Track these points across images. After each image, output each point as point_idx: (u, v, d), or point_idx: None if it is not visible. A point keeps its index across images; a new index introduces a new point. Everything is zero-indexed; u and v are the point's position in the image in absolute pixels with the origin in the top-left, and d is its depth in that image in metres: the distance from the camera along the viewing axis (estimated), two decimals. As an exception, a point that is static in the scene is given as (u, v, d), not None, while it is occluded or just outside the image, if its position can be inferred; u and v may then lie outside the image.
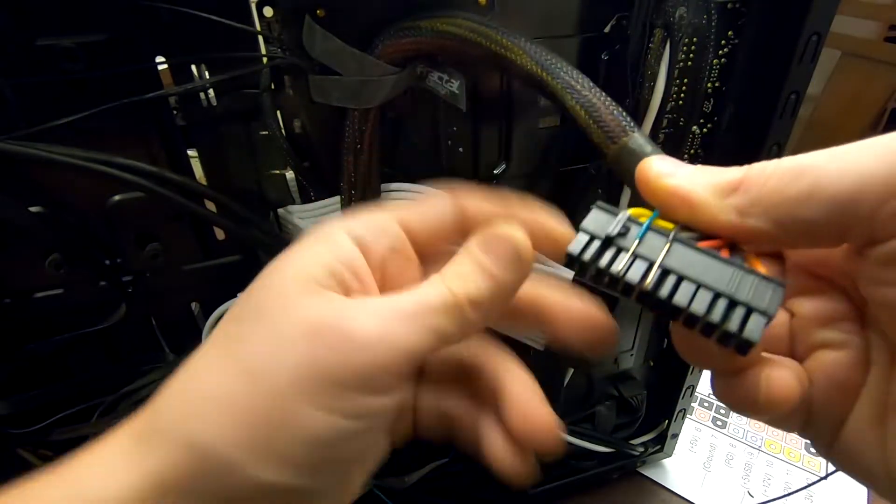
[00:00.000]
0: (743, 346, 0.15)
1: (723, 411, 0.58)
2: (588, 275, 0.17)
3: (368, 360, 0.16)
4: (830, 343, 0.18)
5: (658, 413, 0.47)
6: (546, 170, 0.32)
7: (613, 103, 0.22)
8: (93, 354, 0.32)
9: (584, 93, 0.22)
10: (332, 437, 0.16)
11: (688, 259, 0.16)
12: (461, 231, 0.20)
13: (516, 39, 0.23)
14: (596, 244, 0.16)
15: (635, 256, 0.16)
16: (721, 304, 0.15)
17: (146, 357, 0.33)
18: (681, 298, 0.15)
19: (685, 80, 0.30)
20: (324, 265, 0.18)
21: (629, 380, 0.45)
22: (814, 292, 0.19)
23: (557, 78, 0.23)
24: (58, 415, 0.32)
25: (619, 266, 0.16)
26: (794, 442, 0.55)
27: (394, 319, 0.17)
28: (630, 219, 0.17)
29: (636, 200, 0.33)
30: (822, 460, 0.53)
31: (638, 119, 0.30)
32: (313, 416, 0.16)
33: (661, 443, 0.48)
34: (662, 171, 0.17)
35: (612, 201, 0.34)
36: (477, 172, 0.31)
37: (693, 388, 0.44)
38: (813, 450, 0.54)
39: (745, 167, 0.16)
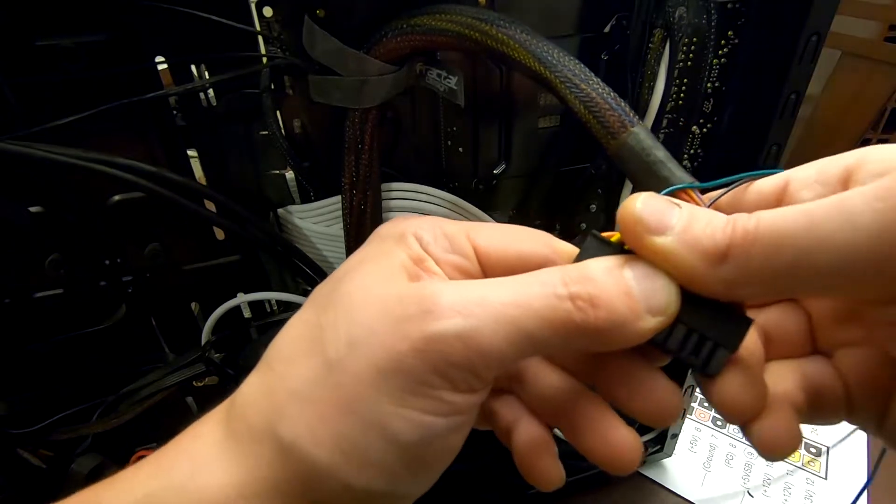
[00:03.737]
0: (707, 375, 0.17)
1: (723, 411, 0.58)
2: None
3: (459, 351, 0.15)
4: (852, 341, 0.18)
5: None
6: (546, 170, 0.32)
7: (613, 95, 0.22)
8: (93, 354, 0.32)
9: (583, 86, 0.22)
10: (422, 438, 0.16)
11: None
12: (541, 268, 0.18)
13: (512, 32, 0.23)
14: None
15: None
16: (693, 339, 0.17)
17: (146, 357, 0.33)
18: (660, 335, 0.17)
19: (685, 80, 0.30)
20: (400, 262, 0.17)
21: (629, 380, 0.45)
22: None
23: (555, 71, 0.22)
24: (58, 415, 0.32)
25: None
26: (794, 442, 0.55)
27: (483, 315, 0.15)
28: (622, 250, 0.17)
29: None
30: (822, 460, 0.53)
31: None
32: (402, 416, 0.15)
33: (661, 443, 0.48)
34: (650, 225, 0.16)
35: (612, 201, 0.34)
36: (477, 172, 0.31)
37: (693, 388, 0.44)
38: (813, 450, 0.54)
39: (729, 225, 0.15)
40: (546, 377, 0.20)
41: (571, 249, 0.19)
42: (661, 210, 0.16)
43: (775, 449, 0.17)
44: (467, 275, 0.19)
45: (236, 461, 0.16)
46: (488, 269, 0.19)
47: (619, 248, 0.17)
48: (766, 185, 0.18)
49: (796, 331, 0.19)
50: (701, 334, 0.17)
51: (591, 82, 0.22)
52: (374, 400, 0.15)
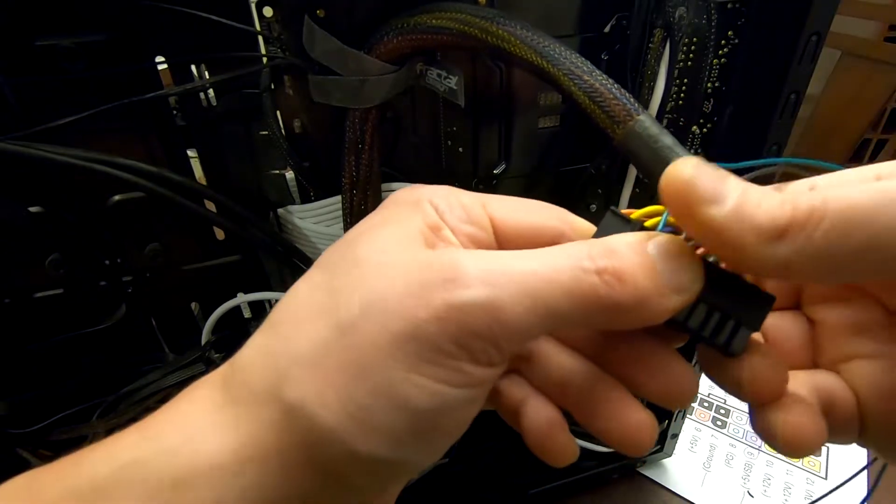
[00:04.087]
0: (730, 354, 0.17)
1: (723, 411, 0.58)
2: None
3: (482, 320, 0.15)
4: (866, 353, 0.17)
5: (658, 413, 0.47)
6: (546, 170, 0.32)
7: (616, 86, 0.22)
8: (93, 354, 0.32)
9: (586, 78, 0.22)
10: (435, 408, 0.15)
11: None
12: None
13: (512, 29, 0.23)
14: None
15: None
16: (714, 318, 0.16)
17: (146, 357, 0.33)
18: (681, 314, 0.16)
19: (685, 80, 0.30)
20: (418, 228, 0.17)
21: (629, 380, 0.45)
22: (840, 300, 0.18)
23: (558, 65, 0.22)
24: (58, 415, 0.32)
25: None
26: (794, 442, 0.55)
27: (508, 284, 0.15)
28: (641, 227, 0.17)
29: (638, 197, 0.33)
30: (822, 460, 0.53)
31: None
32: (414, 384, 0.15)
33: (661, 443, 0.48)
34: (703, 193, 0.14)
35: (612, 202, 0.34)
36: (477, 172, 0.31)
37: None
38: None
39: (790, 202, 0.14)
40: (556, 357, 0.19)
41: (587, 226, 0.19)
42: (717, 177, 0.14)
43: (801, 442, 0.16)
44: (482, 246, 0.18)
45: (235, 426, 0.15)
46: (503, 241, 0.18)
47: (638, 226, 0.17)
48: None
49: (798, 339, 0.19)
50: (723, 313, 0.16)
51: (594, 74, 0.22)
52: (388, 365, 0.15)
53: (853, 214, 0.13)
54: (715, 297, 0.16)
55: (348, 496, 0.16)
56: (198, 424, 0.16)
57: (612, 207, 0.18)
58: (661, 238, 0.16)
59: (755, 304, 0.16)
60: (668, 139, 0.20)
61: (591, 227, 0.18)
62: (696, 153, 0.33)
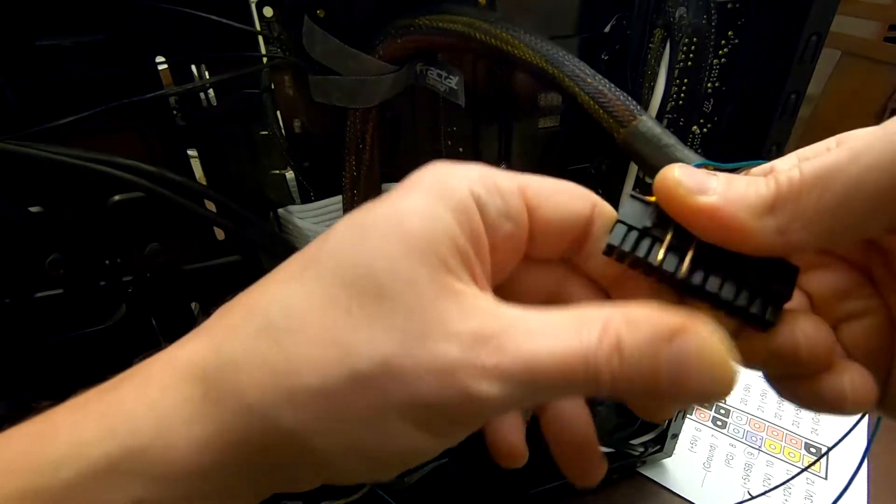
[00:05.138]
0: (764, 326, 0.17)
1: (723, 411, 0.58)
2: (627, 262, 0.18)
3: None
4: (854, 313, 0.18)
5: (658, 413, 0.47)
6: (546, 170, 0.32)
7: (618, 89, 0.23)
8: (93, 354, 0.32)
9: (590, 80, 0.23)
10: (424, 452, 0.16)
11: (715, 247, 0.17)
12: (581, 239, 0.18)
13: (516, 33, 0.23)
14: (633, 234, 0.18)
15: (670, 247, 0.17)
16: (745, 290, 0.17)
17: (146, 357, 0.33)
18: (712, 286, 0.17)
19: (685, 80, 0.30)
20: (451, 239, 0.15)
21: (629, 380, 0.45)
22: (819, 268, 0.19)
23: (562, 68, 0.23)
24: (58, 415, 0.32)
25: (656, 257, 0.17)
26: (794, 442, 0.55)
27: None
28: (664, 213, 0.18)
29: (641, 190, 0.33)
30: (823, 460, 0.53)
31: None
32: (417, 440, 0.15)
33: (661, 443, 0.48)
34: (691, 187, 0.16)
35: (612, 202, 0.34)
36: (477, 172, 0.31)
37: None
38: (813, 450, 0.54)
39: (771, 180, 0.16)
40: None
41: (611, 211, 0.19)
42: (700, 175, 0.17)
43: (869, 396, 0.17)
44: (514, 246, 0.18)
45: (215, 431, 0.15)
46: (535, 231, 0.18)
47: (658, 209, 0.18)
48: (753, 173, 0.18)
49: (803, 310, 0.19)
50: (752, 288, 0.17)
51: (597, 77, 0.23)
52: (397, 427, 0.15)
53: (826, 173, 0.15)
54: (742, 274, 0.17)
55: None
56: (171, 422, 0.15)
57: (633, 193, 0.18)
58: (686, 345, 0.14)
59: (781, 274, 0.17)
60: (671, 138, 0.21)
61: (613, 213, 0.19)
62: (696, 152, 0.33)
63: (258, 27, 0.25)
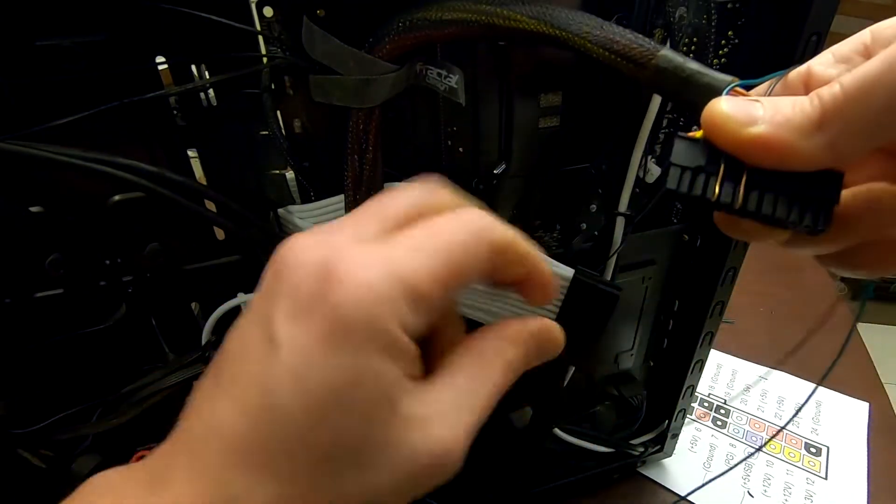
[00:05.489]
0: (818, 232, 0.18)
1: (723, 411, 0.58)
2: (686, 201, 0.19)
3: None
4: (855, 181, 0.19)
5: (658, 413, 0.47)
6: (546, 170, 0.32)
7: (628, 31, 0.22)
8: (93, 354, 0.32)
9: (598, 33, 0.22)
10: None
11: (764, 171, 0.18)
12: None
13: (516, 7, 0.23)
14: (688, 175, 0.19)
15: (723, 180, 0.18)
16: (797, 204, 0.18)
17: (146, 357, 0.33)
18: (767, 208, 0.18)
19: (685, 80, 0.30)
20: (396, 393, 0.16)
21: (629, 380, 0.45)
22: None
23: (569, 29, 0.23)
24: (58, 415, 0.32)
25: (713, 193, 0.18)
26: (794, 442, 0.55)
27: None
28: (712, 146, 0.18)
29: (638, 197, 0.33)
30: (822, 460, 0.53)
31: (638, 119, 0.30)
32: None
33: (661, 443, 0.48)
34: (739, 119, 0.17)
35: (612, 201, 0.34)
36: (477, 172, 0.31)
37: (693, 388, 0.44)
38: (813, 450, 0.54)
39: (815, 98, 0.17)
40: None
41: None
42: (746, 105, 0.17)
43: None
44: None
45: None
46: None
47: (707, 144, 0.18)
48: (791, 78, 0.19)
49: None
50: (802, 201, 0.18)
51: (605, 27, 0.22)
52: None
53: (868, 84, 0.16)
54: (792, 192, 0.18)
55: None
56: None
57: (679, 133, 0.19)
58: None
59: (828, 183, 0.18)
60: (693, 64, 0.21)
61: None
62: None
63: (258, 27, 0.25)
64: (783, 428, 0.55)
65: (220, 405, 0.16)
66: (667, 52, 0.21)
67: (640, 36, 0.22)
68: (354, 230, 0.17)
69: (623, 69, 0.22)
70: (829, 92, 0.16)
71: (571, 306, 0.32)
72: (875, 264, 0.20)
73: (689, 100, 0.21)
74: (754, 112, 0.17)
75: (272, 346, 0.15)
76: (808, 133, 0.16)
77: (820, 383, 0.41)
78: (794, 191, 0.18)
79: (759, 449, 0.54)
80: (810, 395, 0.45)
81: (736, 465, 0.51)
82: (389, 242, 0.17)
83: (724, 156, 0.18)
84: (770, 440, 0.55)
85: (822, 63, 0.19)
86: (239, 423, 0.15)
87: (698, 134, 0.19)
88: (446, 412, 0.17)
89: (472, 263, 0.17)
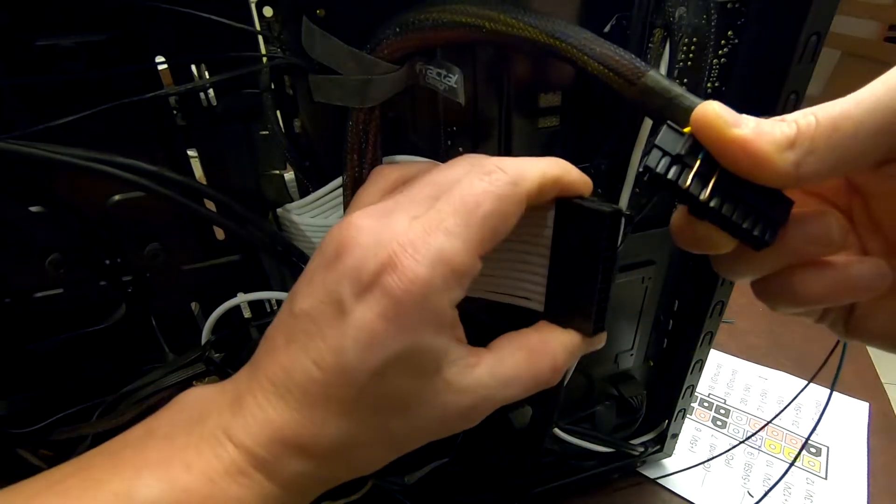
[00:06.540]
0: (763, 245, 0.21)
1: (723, 411, 0.58)
2: (659, 185, 0.21)
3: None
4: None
5: (658, 413, 0.47)
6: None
7: (622, 50, 0.24)
8: (93, 354, 0.32)
9: (595, 47, 0.24)
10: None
11: (732, 178, 0.20)
12: None
13: (518, 14, 0.24)
14: (667, 160, 0.20)
15: (697, 173, 0.20)
16: (752, 215, 0.20)
17: (146, 357, 0.33)
18: (727, 210, 0.20)
19: (685, 80, 0.30)
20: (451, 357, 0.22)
21: (629, 380, 0.45)
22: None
23: (568, 41, 0.24)
24: (58, 415, 0.32)
25: (685, 181, 0.20)
26: (794, 442, 0.55)
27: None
28: (694, 140, 0.20)
29: (638, 197, 0.33)
30: (822, 460, 0.53)
31: (637, 119, 0.30)
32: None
33: (661, 443, 0.48)
34: (727, 118, 0.19)
35: (612, 201, 0.34)
36: (477, 172, 0.31)
37: (693, 387, 0.44)
38: (813, 450, 0.54)
39: (792, 121, 0.19)
40: None
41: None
42: (735, 112, 0.20)
43: (879, 280, 0.21)
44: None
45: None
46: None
47: (690, 139, 0.20)
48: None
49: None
50: (757, 214, 0.20)
51: (601, 42, 0.24)
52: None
53: (836, 118, 0.18)
54: (750, 204, 0.20)
55: None
56: None
57: (669, 121, 0.21)
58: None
59: (780, 206, 0.21)
60: (678, 88, 0.23)
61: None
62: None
63: (258, 27, 0.25)
64: (769, 422, 0.56)
65: (299, 357, 0.21)
66: (654, 74, 0.23)
67: (633, 56, 0.24)
68: (408, 210, 0.21)
69: (613, 83, 0.24)
70: (805, 119, 0.19)
71: (562, 242, 0.26)
72: (797, 288, 0.22)
73: (669, 117, 0.22)
74: (742, 118, 0.19)
75: (342, 317, 0.20)
76: (782, 147, 0.19)
77: (811, 380, 0.41)
78: (752, 202, 0.20)
79: (743, 442, 0.54)
80: (801, 390, 0.45)
81: (716, 457, 0.51)
82: (435, 221, 0.21)
83: (703, 152, 0.20)
84: (758, 432, 0.55)
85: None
86: (316, 374, 0.20)
87: (686, 130, 0.21)
88: (481, 392, 0.22)
89: (509, 221, 0.22)
